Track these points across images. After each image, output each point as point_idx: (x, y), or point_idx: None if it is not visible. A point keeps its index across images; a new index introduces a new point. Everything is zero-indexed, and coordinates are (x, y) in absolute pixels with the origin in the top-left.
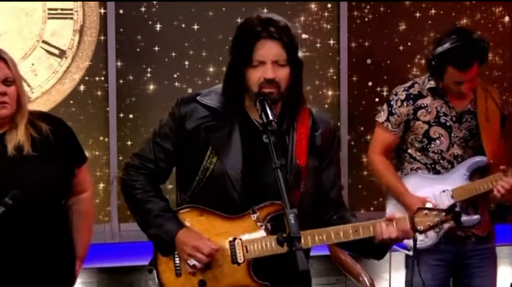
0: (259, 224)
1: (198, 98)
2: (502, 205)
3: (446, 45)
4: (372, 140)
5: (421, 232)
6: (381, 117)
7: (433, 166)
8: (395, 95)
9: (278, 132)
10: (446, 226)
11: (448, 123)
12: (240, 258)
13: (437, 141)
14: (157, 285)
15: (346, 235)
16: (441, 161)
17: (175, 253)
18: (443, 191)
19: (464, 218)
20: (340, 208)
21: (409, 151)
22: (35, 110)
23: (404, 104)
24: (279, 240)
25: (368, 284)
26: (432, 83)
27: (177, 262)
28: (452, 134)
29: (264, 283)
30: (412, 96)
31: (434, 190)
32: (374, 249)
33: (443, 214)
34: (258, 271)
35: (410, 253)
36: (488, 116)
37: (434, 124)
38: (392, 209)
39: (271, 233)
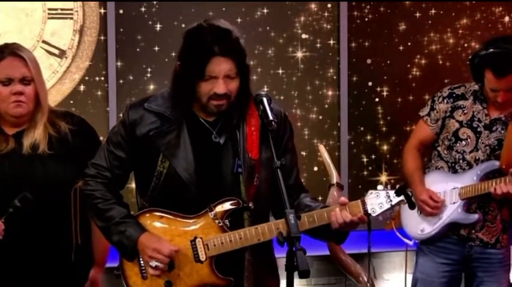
0: (217, 221)
1: (145, 105)
2: None
3: (490, 49)
4: (411, 133)
5: (376, 215)
6: (424, 111)
7: (453, 165)
8: (440, 92)
9: (228, 129)
10: (396, 207)
11: (478, 129)
12: (202, 256)
13: (463, 142)
14: None
15: (303, 225)
16: (460, 162)
17: (140, 257)
18: (454, 189)
19: (463, 214)
20: (299, 193)
21: (439, 148)
22: (58, 108)
23: (445, 101)
24: (279, 240)
25: (368, 284)
26: (476, 87)
27: (143, 265)
28: (480, 140)
29: (228, 278)
30: (454, 95)
31: (446, 187)
32: (333, 233)
33: (394, 194)
34: (221, 267)
35: (411, 243)
36: None
37: (465, 126)
38: None
39: (230, 229)
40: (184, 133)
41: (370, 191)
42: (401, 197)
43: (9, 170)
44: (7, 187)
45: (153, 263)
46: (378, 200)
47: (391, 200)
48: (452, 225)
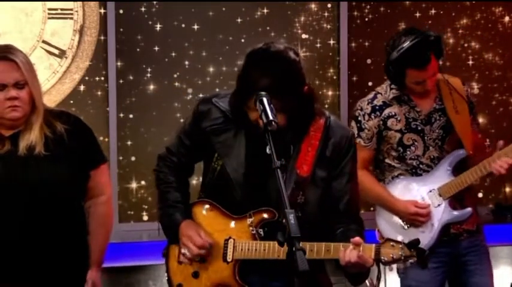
0: (251, 228)
1: (213, 99)
2: (502, 205)
3: (401, 49)
4: None
5: (384, 263)
6: None
7: (414, 170)
8: (361, 109)
9: (281, 143)
10: (409, 262)
11: (419, 128)
12: (229, 257)
13: (412, 148)
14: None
15: (319, 253)
16: (420, 166)
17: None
18: (430, 191)
19: (456, 213)
20: (349, 222)
21: (386, 160)
22: (54, 108)
23: (372, 116)
24: (279, 240)
25: (368, 284)
26: (395, 92)
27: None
28: (426, 137)
29: (244, 285)
30: (377, 107)
31: (421, 192)
32: (348, 273)
33: (407, 249)
34: (244, 273)
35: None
36: (457, 108)
37: (406, 131)
38: (383, 224)
39: (262, 239)
40: (241, 135)
41: (387, 238)
42: (414, 252)
43: (5, 171)
44: (2, 189)
45: (183, 250)
46: (392, 250)
47: (403, 254)
48: (444, 228)
